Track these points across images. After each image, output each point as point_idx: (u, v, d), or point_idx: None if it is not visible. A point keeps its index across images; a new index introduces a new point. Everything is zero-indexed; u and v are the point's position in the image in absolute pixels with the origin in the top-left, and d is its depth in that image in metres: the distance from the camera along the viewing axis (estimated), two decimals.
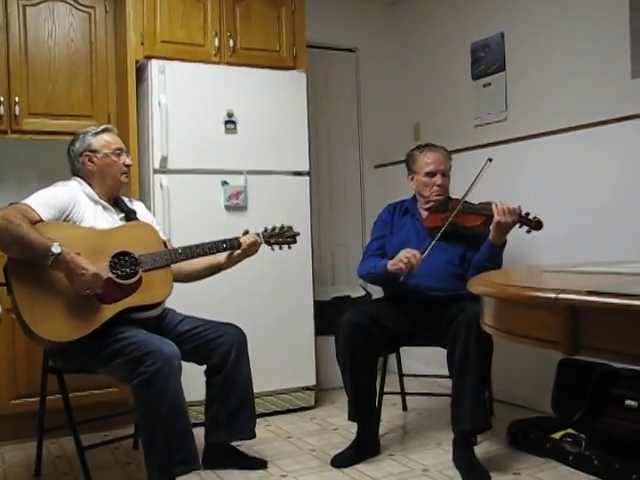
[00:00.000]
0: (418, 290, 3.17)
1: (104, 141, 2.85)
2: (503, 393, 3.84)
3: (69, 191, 2.73)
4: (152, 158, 3.59)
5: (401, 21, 5.01)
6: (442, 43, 4.56)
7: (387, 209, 3.50)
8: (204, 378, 2.97)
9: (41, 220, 2.55)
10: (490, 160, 3.13)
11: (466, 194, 3.15)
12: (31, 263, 2.46)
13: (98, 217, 2.75)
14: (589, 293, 1.33)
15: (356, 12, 4.96)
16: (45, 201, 2.62)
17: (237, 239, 2.93)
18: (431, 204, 3.33)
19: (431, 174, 3.31)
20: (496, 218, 3.00)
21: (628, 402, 3.02)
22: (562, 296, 1.37)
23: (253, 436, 3.00)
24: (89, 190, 2.80)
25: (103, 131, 2.89)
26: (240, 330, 2.99)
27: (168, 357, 2.47)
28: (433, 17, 4.67)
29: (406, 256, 3.00)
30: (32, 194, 2.65)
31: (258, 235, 2.98)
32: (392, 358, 3.66)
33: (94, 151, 2.83)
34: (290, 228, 3.06)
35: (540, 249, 3.49)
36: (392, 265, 3.09)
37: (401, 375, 3.86)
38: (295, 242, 3.07)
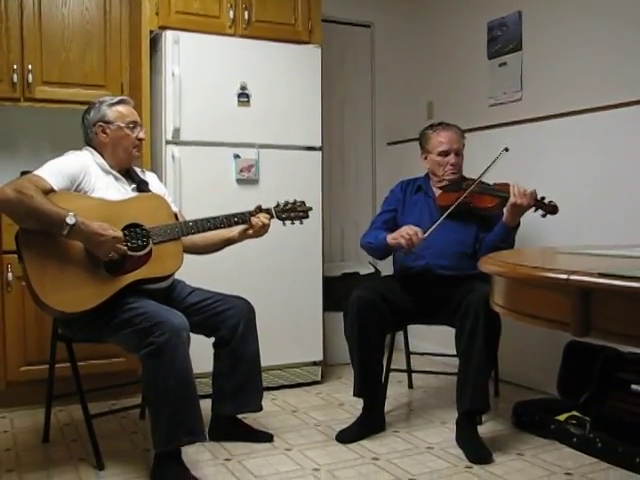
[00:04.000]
0: (428, 268, 3.18)
1: (118, 113, 2.84)
2: (509, 374, 3.85)
3: (80, 161, 2.73)
4: (165, 129, 3.59)
5: None
6: (458, 21, 4.51)
7: (400, 185, 3.49)
8: (212, 350, 2.99)
9: (53, 190, 2.55)
10: (506, 150, 3.10)
11: (481, 176, 3.14)
12: (44, 233, 2.47)
13: (109, 187, 2.75)
14: (601, 275, 1.32)
15: None
16: (56, 170, 2.62)
17: (249, 213, 2.92)
18: (445, 183, 3.31)
19: (445, 153, 3.29)
20: (512, 200, 2.98)
21: (634, 386, 3.02)
22: (573, 277, 1.36)
23: (259, 409, 3.02)
24: (101, 160, 2.80)
25: (119, 102, 2.87)
26: (249, 303, 3.00)
27: (177, 328, 2.49)
28: None
29: (408, 232, 3.00)
30: (44, 163, 2.66)
31: (269, 212, 2.97)
32: (399, 335, 3.67)
33: (108, 122, 2.82)
34: (302, 203, 3.04)
35: (554, 231, 3.46)
36: (392, 239, 3.08)
37: (408, 353, 3.87)
38: (307, 217, 3.05)
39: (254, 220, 2.90)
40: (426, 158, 3.39)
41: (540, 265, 1.56)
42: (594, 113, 3.49)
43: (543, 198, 3.01)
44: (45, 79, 3.70)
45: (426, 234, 3.00)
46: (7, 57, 3.62)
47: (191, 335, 2.58)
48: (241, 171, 3.71)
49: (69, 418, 3.34)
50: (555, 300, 1.44)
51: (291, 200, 3.03)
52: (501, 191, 3.10)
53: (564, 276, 1.38)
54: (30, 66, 3.64)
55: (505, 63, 4.10)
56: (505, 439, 3.07)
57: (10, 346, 3.39)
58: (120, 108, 2.85)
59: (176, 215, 2.89)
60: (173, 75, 3.55)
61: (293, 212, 3.02)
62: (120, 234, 2.55)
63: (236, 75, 3.71)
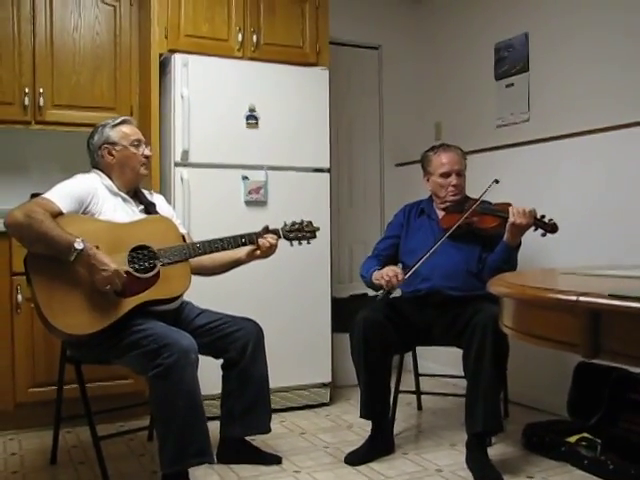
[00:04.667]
0: (435, 289, 3.17)
1: (122, 133, 2.86)
2: (519, 395, 3.82)
3: (88, 183, 2.74)
4: (173, 151, 3.60)
5: (425, 19, 4.98)
6: (466, 42, 4.54)
7: (403, 210, 3.51)
8: (220, 372, 2.98)
9: (61, 212, 2.56)
10: (497, 182, 3.13)
11: (479, 198, 3.14)
12: (52, 256, 2.48)
13: (117, 209, 2.76)
14: (611, 297, 1.31)
15: (380, 9, 4.95)
16: (65, 193, 2.63)
17: (256, 234, 2.92)
18: (447, 204, 3.32)
19: (446, 174, 3.30)
20: (511, 219, 2.98)
21: None
22: (583, 299, 1.35)
23: (268, 431, 2.99)
24: (108, 182, 2.81)
25: (121, 123, 2.89)
26: (257, 325, 2.99)
27: (185, 350, 2.48)
28: (457, 16, 4.64)
29: (388, 274, 3.03)
30: (53, 186, 2.67)
31: (277, 232, 2.96)
32: (408, 357, 3.64)
33: (113, 143, 2.83)
34: (310, 223, 3.04)
35: (555, 251, 3.46)
36: (375, 279, 3.12)
37: (417, 374, 3.84)
38: (315, 237, 3.05)
39: (261, 241, 2.90)
40: (428, 180, 3.40)
41: (550, 286, 1.55)
42: (601, 134, 3.48)
43: (543, 217, 3.00)
44: (56, 102, 3.74)
45: (407, 275, 3.03)
46: (19, 80, 3.67)
47: (199, 357, 2.57)
48: (250, 193, 3.72)
49: (77, 440, 3.33)
50: (564, 321, 1.44)
51: (298, 220, 3.04)
52: (502, 211, 3.10)
53: (573, 297, 1.37)
54: (41, 89, 3.69)
55: (512, 84, 4.11)
56: (515, 461, 3.04)
57: (19, 368, 3.39)
58: (123, 128, 2.87)
59: (184, 237, 2.90)
60: (182, 97, 3.57)
61: (300, 232, 3.01)
62: (122, 270, 2.53)
63: (244, 97, 3.73)
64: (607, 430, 3.05)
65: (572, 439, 3.04)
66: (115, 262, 2.51)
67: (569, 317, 1.41)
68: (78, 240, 2.44)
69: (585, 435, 3.03)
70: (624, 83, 3.42)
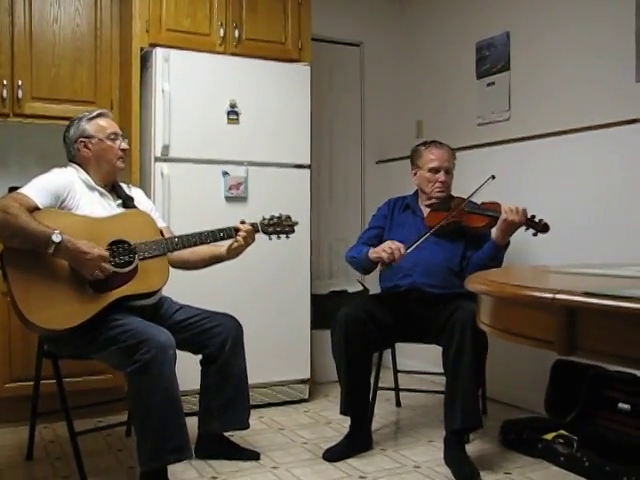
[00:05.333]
0: (415, 287, 3.17)
1: (98, 126, 2.83)
2: (497, 392, 3.84)
3: (64, 177, 2.72)
4: (154, 146, 3.58)
5: (407, 17, 4.99)
6: (447, 41, 4.55)
7: (387, 203, 3.50)
8: (199, 368, 2.97)
9: (37, 207, 2.54)
10: (493, 177, 3.12)
11: (470, 196, 3.15)
12: (28, 251, 2.45)
13: (94, 203, 2.74)
14: (586, 294, 1.32)
15: (362, 6, 4.95)
16: (41, 187, 2.61)
17: (235, 228, 2.90)
18: (433, 201, 3.32)
19: (435, 170, 3.31)
20: (503, 216, 2.99)
21: (621, 405, 3.02)
22: (559, 296, 1.36)
23: (247, 427, 2.99)
24: (85, 176, 2.79)
25: (97, 116, 2.86)
26: (236, 321, 2.98)
27: (163, 345, 2.47)
28: (439, 14, 4.65)
29: (390, 247, 3.01)
30: (32, 179, 2.65)
31: (255, 224, 2.95)
32: (387, 353, 3.66)
33: (89, 137, 2.81)
34: (288, 217, 3.04)
35: (543, 250, 3.47)
36: (374, 252, 3.10)
37: (396, 371, 3.85)
38: (293, 232, 3.04)
39: (239, 233, 2.90)
40: (416, 174, 3.39)
41: (527, 284, 1.56)
42: (581, 133, 3.51)
43: (533, 217, 3.02)
44: (35, 95, 3.69)
45: (409, 249, 3.01)
46: None
47: (177, 352, 2.57)
48: (230, 189, 3.71)
49: (54, 435, 3.30)
50: (541, 319, 1.44)
51: (277, 215, 3.02)
52: (491, 210, 3.11)
53: (549, 295, 1.38)
54: (20, 82, 3.64)
55: (493, 83, 4.13)
56: (493, 458, 3.06)
57: None
58: (99, 121, 2.85)
59: (162, 231, 2.88)
60: (163, 92, 3.55)
61: (279, 226, 3.00)
62: (106, 253, 2.53)
63: (226, 93, 3.71)
64: (583, 427, 3.07)
65: (549, 436, 3.06)
66: (97, 249, 2.49)
67: (546, 315, 1.42)
68: (56, 232, 2.42)
69: (562, 432, 3.05)
70: (606, 81, 3.44)
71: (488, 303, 1.70)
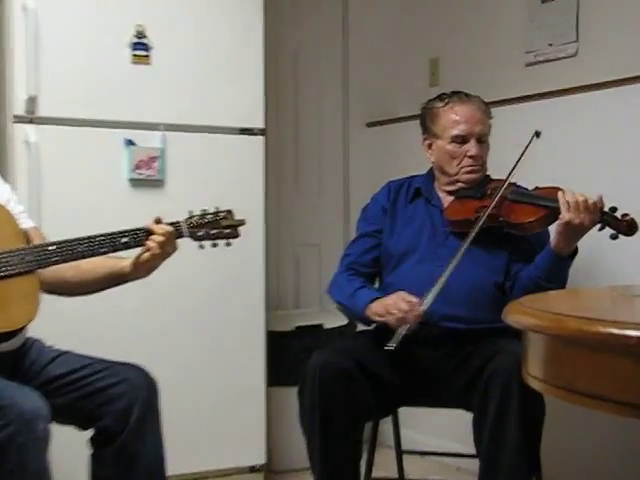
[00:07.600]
0: (430, 320, 3.14)
1: None
2: (559, 478, 3.84)
3: None
4: (12, 99, 3.55)
5: None
6: None
7: (385, 190, 3.48)
8: (88, 450, 2.90)
9: None
10: (537, 135, 3.14)
11: (510, 175, 3.13)
12: None
13: None
14: None
15: None
16: None
17: (146, 230, 2.85)
18: (460, 185, 3.30)
19: (461, 139, 3.28)
20: (564, 215, 2.94)
21: None
22: None
23: None
24: None
25: None
26: (148, 375, 2.90)
27: (28, 418, 2.39)
28: None
29: (400, 307, 2.98)
30: None
31: (177, 225, 2.91)
32: (386, 424, 3.64)
33: None
34: (229, 213, 2.99)
35: (627, 262, 3.48)
36: (376, 314, 3.11)
37: (399, 451, 3.82)
38: (237, 236, 2.97)
39: (151, 238, 2.83)
40: (431, 146, 3.39)
41: (602, 315, 1.55)
42: None
43: (614, 209, 2.98)
44: None
45: (425, 303, 2.97)
46: None
47: (55, 427, 2.50)
48: (137, 167, 3.71)
49: None
50: (626, 370, 1.44)
51: (211, 209, 2.99)
52: (547, 199, 3.07)
53: (636, 333, 1.37)
54: None
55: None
56: None
57: None
58: None
59: (28, 234, 2.83)
60: (25, 11, 3.49)
61: (215, 227, 2.95)
62: None
63: (129, 15, 3.72)
64: None
65: None
66: None
67: (633, 364, 1.41)
68: None
69: None
70: None
71: (540, 345, 1.71)
